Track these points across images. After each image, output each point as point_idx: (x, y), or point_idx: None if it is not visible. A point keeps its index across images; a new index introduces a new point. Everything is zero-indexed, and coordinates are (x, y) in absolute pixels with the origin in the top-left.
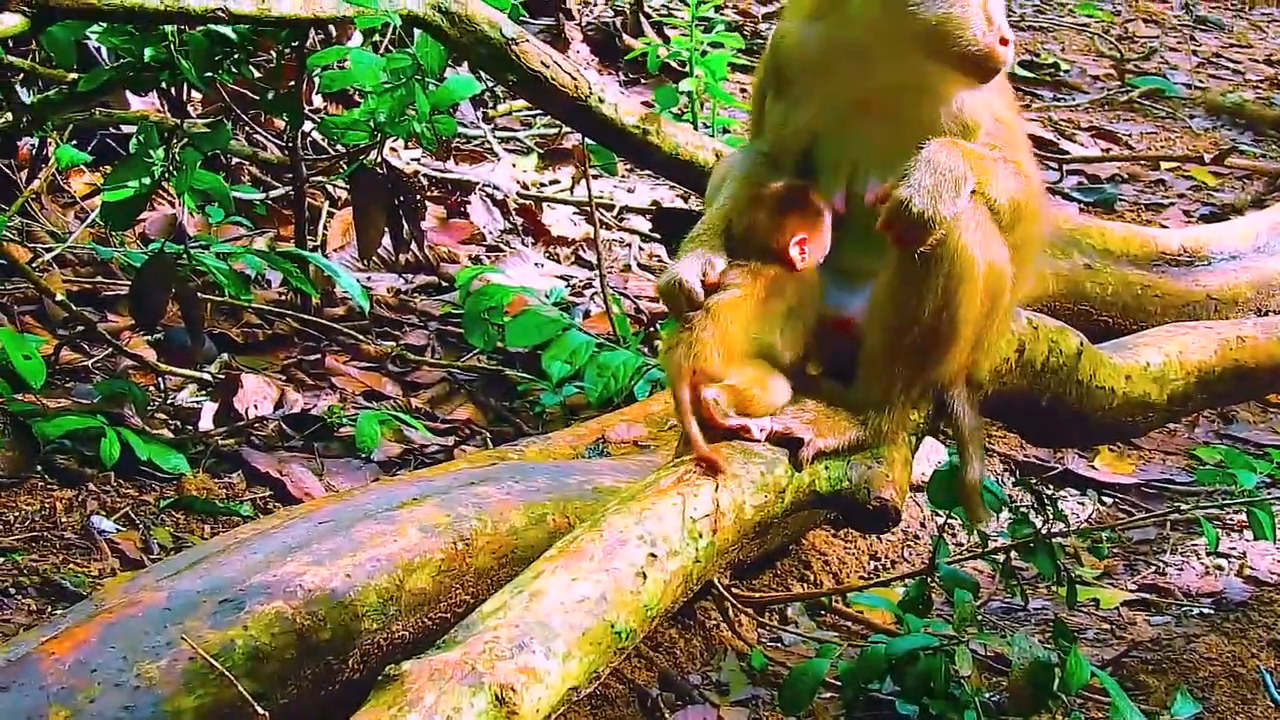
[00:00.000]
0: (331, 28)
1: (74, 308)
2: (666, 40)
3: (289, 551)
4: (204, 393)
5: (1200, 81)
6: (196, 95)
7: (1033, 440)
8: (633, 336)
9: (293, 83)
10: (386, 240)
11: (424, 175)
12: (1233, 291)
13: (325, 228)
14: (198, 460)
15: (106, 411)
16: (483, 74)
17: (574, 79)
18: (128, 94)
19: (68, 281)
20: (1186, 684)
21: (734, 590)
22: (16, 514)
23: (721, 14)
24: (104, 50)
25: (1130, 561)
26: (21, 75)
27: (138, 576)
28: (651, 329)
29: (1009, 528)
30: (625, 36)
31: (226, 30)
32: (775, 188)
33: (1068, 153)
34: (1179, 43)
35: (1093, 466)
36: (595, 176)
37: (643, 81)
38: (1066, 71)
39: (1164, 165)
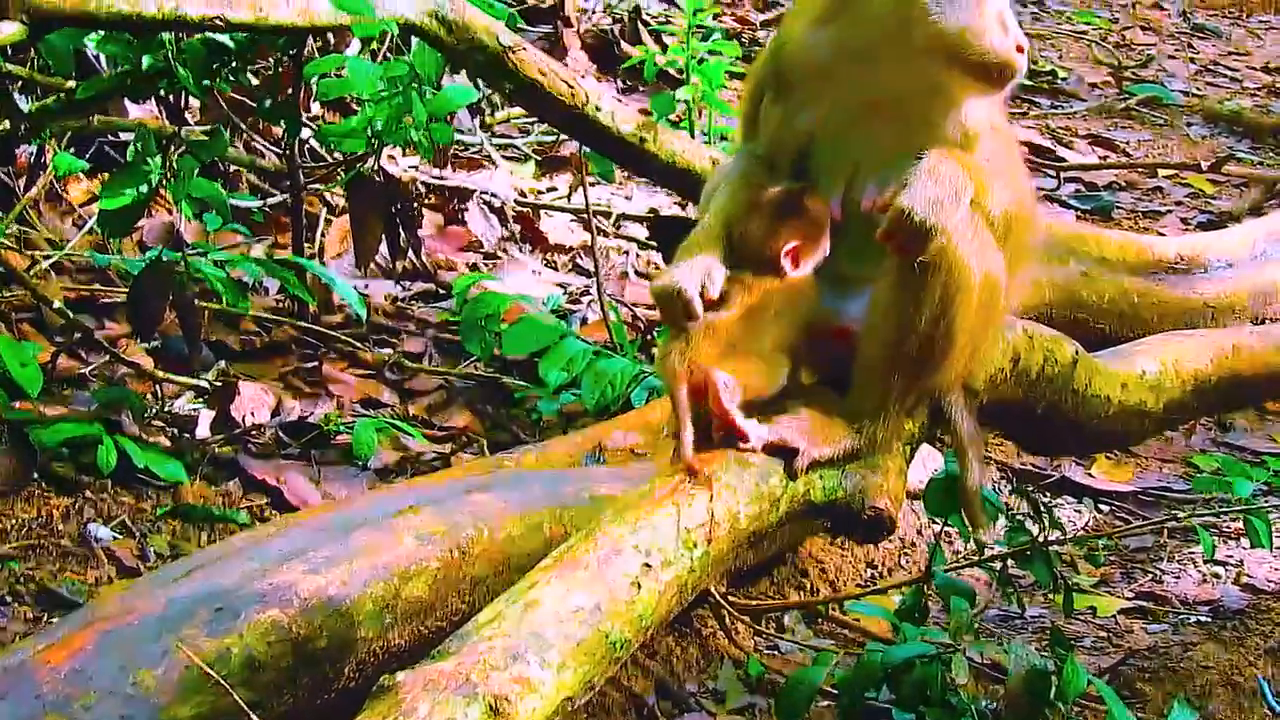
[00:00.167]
0: (329, 36)
1: (71, 315)
2: (664, 48)
3: (285, 559)
4: (201, 400)
5: (1198, 89)
6: (194, 103)
7: (1029, 448)
8: (630, 344)
9: (290, 91)
10: (384, 248)
11: (421, 183)
12: (1230, 299)
13: (323, 235)
14: (195, 468)
15: (104, 419)
16: (480, 82)
17: (571, 87)
18: (126, 102)
19: (65, 289)
20: (1184, 692)
21: (731, 598)
22: (13, 521)
23: (719, 22)
24: (102, 58)
25: (1127, 569)
26: (20, 83)
27: (134, 584)
28: (649, 336)
29: (1006, 535)
30: (623, 44)
31: (224, 38)
32: (772, 193)
33: (1065, 160)
34: (1176, 50)
35: (1089, 474)
36: (593, 184)
37: (640, 89)
38: (1064, 79)
39: (1161, 173)
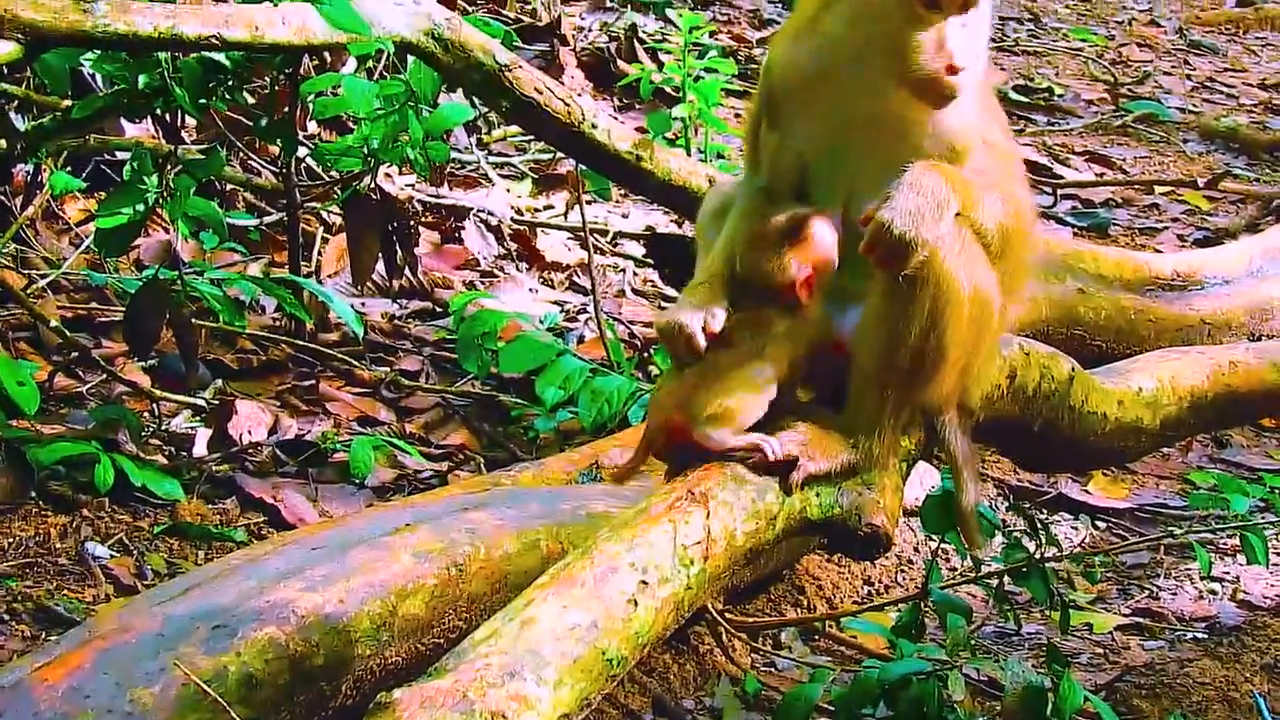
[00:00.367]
0: (325, 54)
1: (68, 334)
2: (660, 66)
3: (282, 577)
4: (198, 418)
5: (1194, 106)
6: (191, 122)
7: (1025, 465)
8: (627, 362)
9: (286, 109)
10: (380, 266)
11: (418, 201)
12: (1226, 316)
13: (319, 254)
14: (192, 486)
15: (101, 437)
16: (476, 100)
17: (567, 105)
18: (122, 121)
19: (62, 307)
20: (1180, 709)
21: (727, 615)
22: (10, 540)
23: (715, 39)
24: (98, 77)
25: (1124, 586)
26: (16, 102)
27: (131, 602)
28: (645, 354)
29: (1002, 552)
30: (619, 62)
31: (220, 57)
32: (777, 222)
33: (1062, 177)
34: (1173, 67)
35: (1086, 491)
36: (589, 202)
37: (637, 107)
38: (1061, 96)
39: (1158, 189)
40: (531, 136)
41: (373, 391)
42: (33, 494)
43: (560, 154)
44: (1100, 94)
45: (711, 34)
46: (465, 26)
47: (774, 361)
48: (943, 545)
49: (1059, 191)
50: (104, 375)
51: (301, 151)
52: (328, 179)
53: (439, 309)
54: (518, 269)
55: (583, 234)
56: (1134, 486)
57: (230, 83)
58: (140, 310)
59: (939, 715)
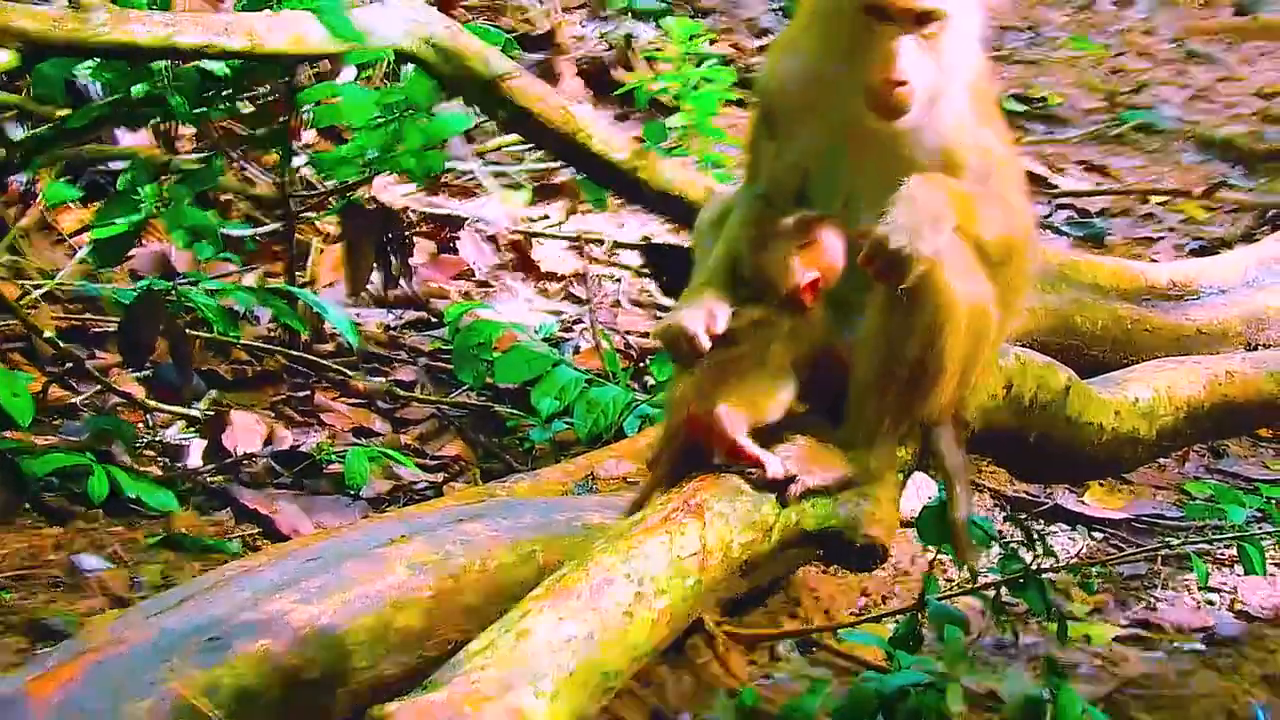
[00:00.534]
0: (322, 63)
1: (62, 345)
2: (658, 74)
3: (277, 589)
4: (192, 430)
5: (1191, 115)
6: (187, 131)
7: (1022, 476)
8: (623, 372)
9: (283, 119)
10: (376, 276)
11: (414, 211)
12: (1222, 326)
13: (315, 264)
14: (186, 498)
15: (94, 449)
16: (474, 109)
17: (564, 114)
18: (117, 131)
19: (56, 318)
20: None
21: (724, 627)
22: (3, 552)
23: (712, 48)
24: (94, 86)
25: (1121, 597)
26: (12, 111)
27: (125, 615)
28: (641, 365)
29: (999, 563)
30: (617, 70)
31: (217, 66)
32: (786, 223)
33: (1058, 186)
34: (1170, 76)
35: (1082, 501)
36: (586, 212)
37: (634, 116)
38: (1058, 105)
39: (1154, 199)
40: (529, 145)
41: (368, 402)
42: (26, 505)
43: (557, 163)
44: (1098, 103)
45: (710, 42)
46: (463, 34)
47: (780, 358)
48: (940, 556)
49: (1055, 201)
50: (98, 386)
51: (298, 161)
52: (324, 189)
53: (434, 319)
54: (513, 279)
55: (579, 244)
56: (1130, 497)
57: (227, 92)
58: (135, 321)
59: None
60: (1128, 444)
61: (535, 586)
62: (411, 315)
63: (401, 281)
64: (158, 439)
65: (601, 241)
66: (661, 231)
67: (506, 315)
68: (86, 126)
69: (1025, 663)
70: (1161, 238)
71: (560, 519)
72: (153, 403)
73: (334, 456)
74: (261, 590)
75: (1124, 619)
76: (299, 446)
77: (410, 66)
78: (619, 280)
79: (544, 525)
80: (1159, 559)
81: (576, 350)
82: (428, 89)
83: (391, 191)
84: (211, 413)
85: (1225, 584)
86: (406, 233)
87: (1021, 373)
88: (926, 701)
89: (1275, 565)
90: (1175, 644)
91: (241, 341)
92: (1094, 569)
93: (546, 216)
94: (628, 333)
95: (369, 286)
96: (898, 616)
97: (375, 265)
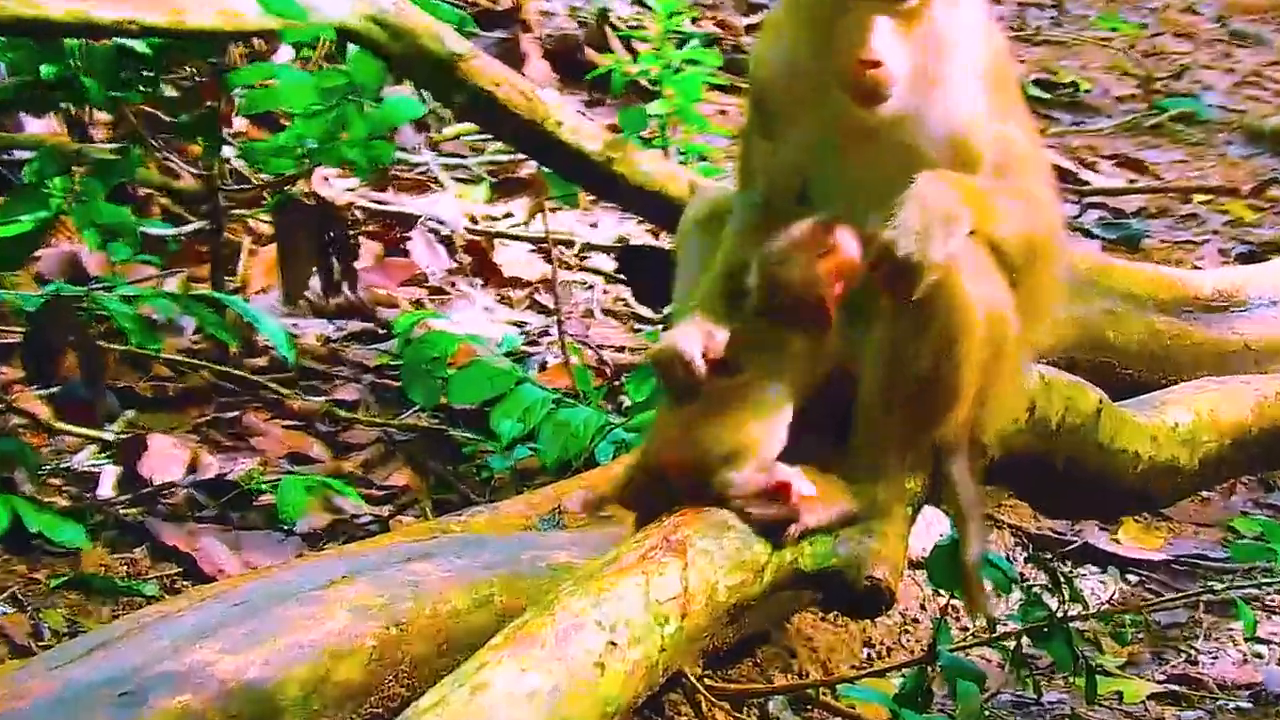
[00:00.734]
0: (255, 42)
1: None
2: (635, 56)
3: (199, 637)
4: (105, 455)
5: (1237, 103)
6: (102, 117)
7: (1047, 511)
8: (595, 391)
9: (211, 104)
10: (316, 281)
11: (359, 208)
12: (1273, 341)
13: (246, 267)
14: (97, 532)
15: None
16: (426, 94)
17: (529, 99)
18: (23, 116)
19: None
20: None
21: (707, 681)
22: None
23: (697, 26)
24: None
25: (1158, 649)
26: None
27: (26, 665)
28: (616, 383)
29: (1020, 610)
30: (589, 51)
31: (136, 44)
32: (805, 228)
33: (1088, 183)
34: (1213, 60)
35: (1115, 540)
36: (553, 210)
37: (608, 102)
38: (1087, 91)
39: (1196, 198)
40: (489, 135)
41: (305, 425)
42: None
43: (521, 155)
44: (1132, 90)
45: (693, 20)
46: (413, 10)
47: (789, 385)
48: (953, 602)
49: (1085, 200)
50: None
51: (227, 151)
52: (257, 183)
53: (381, 330)
54: (472, 285)
55: (546, 246)
56: (1169, 535)
57: (147, 73)
58: (41, 331)
59: None
60: (1166, 474)
61: (494, 634)
62: (355, 326)
63: (344, 288)
64: (65, 465)
65: (571, 243)
66: (639, 232)
67: (463, 326)
68: None
69: None
70: (1205, 241)
71: (523, 558)
72: (60, 424)
73: (265, 486)
74: (182, 638)
75: (1161, 674)
76: (226, 475)
77: (355, 46)
78: (591, 287)
79: (504, 565)
80: (1201, 606)
81: (543, 366)
82: (375, 71)
83: (333, 186)
84: (127, 436)
85: (1275, 634)
86: (350, 232)
87: (1046, 393)
88: None
89: None
90: (1218, 702)
91: (162, 355)
92: (1128, 617)
93: (509, 215)
94: (601, 346)
95: (307, 293)
96: (905, 670)
97: (314, 269)
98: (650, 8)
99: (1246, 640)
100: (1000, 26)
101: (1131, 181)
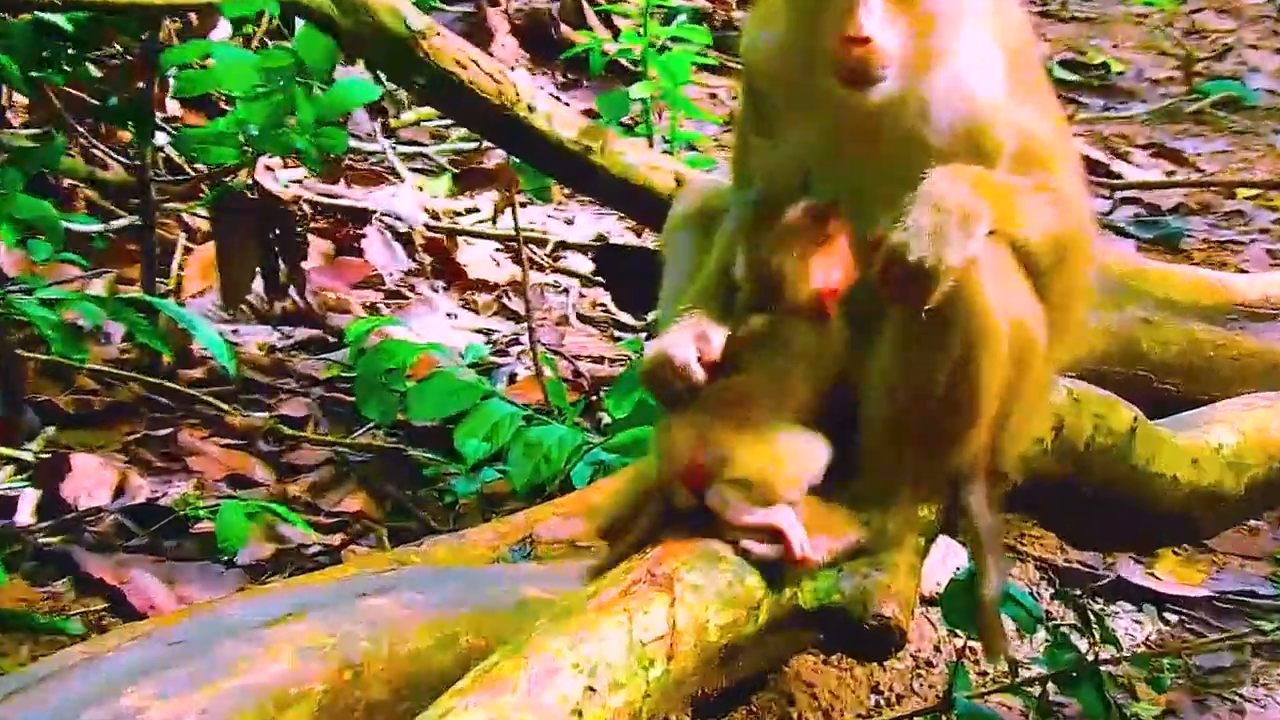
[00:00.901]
0: (191, 17)
1: None
2: (615, 33)
3: (130, 680)
4: (23, 477)
5: None
6: (20, 100)
7: (1075, 541)
8: (570, 407)
9: (141, 85)
10: (258, 283)
11: (307, 201)
12: None
13: (181, 268)
14: (14, 563)
15: None
16: (383, 75)
17: (498, 82)
18: None
19: None
20: None
21: None
22: None
23: (685, 1)
24: None
25: (1199, 696)
26: None
27: None
28: (594, 398)
29: (1046, 653)
30: (564, 28)
31: (58, 19)
32: (795, 216)
33: (1121, 176)
34: (1260, 38)
35: (1152, 574)
36: (524, 204)
37: (586, 84)
38: (1120, 74)
39: (1241, 192)
40: (451, 121)
41: (247, 444)
42: None
43: (488, 144)
44: (1170, 72)
45: None
46: None
47: (796, 386)
48: (970, 643)
49: (1118, 195)
50: None
51: (160, 139)
52: (193, 174)
53: (332, 339)
54: (433, 288)
55: (516, 244)
56: (1212, 569)
57: (72, 51)
58: None
59: None
60: (1209, 501)
61: (459, 678)
62: (303, 333)
63: (290, 291)
64: None
65: (544, 242)
66: (619, 230)
67: (423, 334)
68: None
69: None
70: (1251, 241)
71: (491, 593)
72: None
73: (203, 512)
74: (111, 681)
75: None
76: (158, 499)
77: (302, 21)
78: (566, 291)
79: (470, 600)
80: (1248, 648)
81: (512, 379)
82: (325, 50)
83: (278, 178)
84: (47, 455)
85: None
86: (297, 229)
87: (1075, 410)
88: None
89: None
90: None
91: (87, 366)
92: (1165, 660)
93: (475, 210)
94: (577, 357)
95: (249, 297)
96: (917, 718)
97: (257, 270)
98: None
99: None
100: (1021, 0)
101: (1169, 174)
